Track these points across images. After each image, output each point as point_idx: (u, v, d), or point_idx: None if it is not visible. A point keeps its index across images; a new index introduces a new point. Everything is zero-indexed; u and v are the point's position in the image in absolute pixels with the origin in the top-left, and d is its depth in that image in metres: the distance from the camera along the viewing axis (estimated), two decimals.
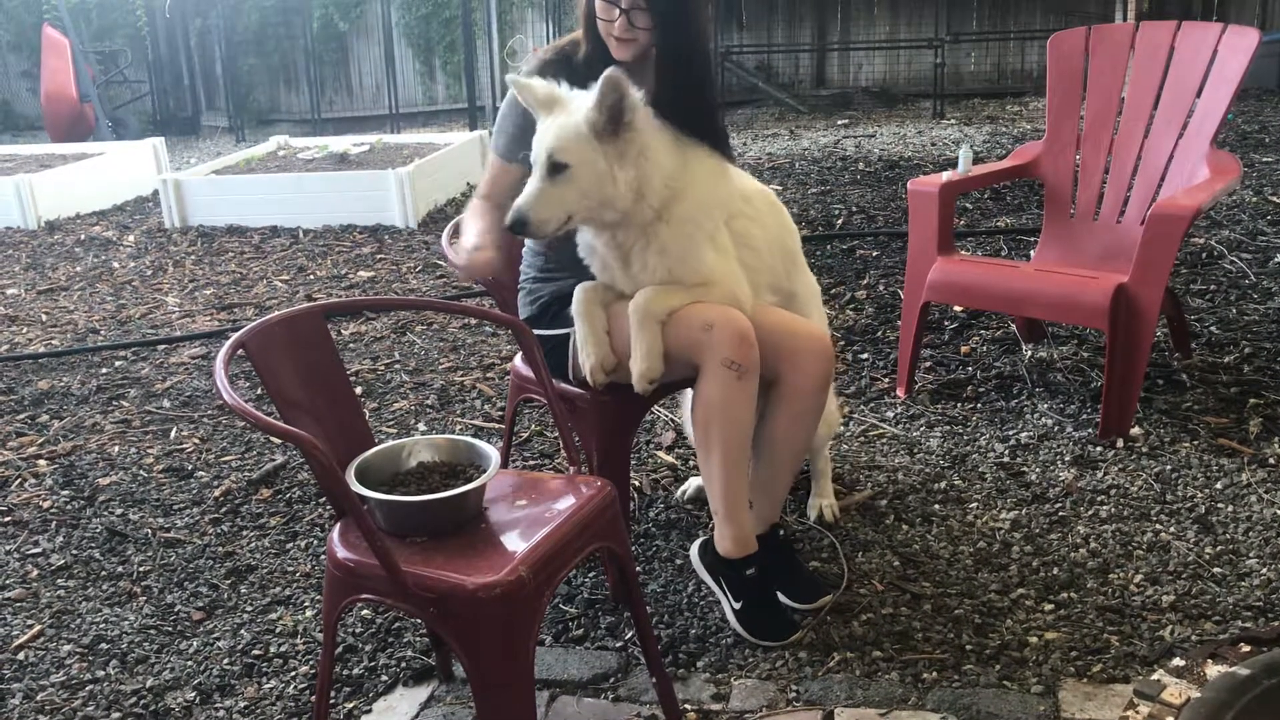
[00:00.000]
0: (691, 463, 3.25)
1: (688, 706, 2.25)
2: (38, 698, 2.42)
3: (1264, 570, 2.59)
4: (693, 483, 3.09)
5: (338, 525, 2.03)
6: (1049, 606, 2.51)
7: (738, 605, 2.47)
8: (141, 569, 2.94)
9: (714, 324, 2.30)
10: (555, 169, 2.24)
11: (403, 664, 2.47)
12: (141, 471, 3.51)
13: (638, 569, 2.68)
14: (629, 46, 2.41)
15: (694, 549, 2.63)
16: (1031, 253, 3.98)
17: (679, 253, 2.35)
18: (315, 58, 11.55)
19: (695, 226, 2.35)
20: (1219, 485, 2.99)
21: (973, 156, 3.72)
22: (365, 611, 2.66)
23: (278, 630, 2.63)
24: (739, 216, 2.45)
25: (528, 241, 2.62)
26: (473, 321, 4.80)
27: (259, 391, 3.94)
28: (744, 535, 2.45)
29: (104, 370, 4.46)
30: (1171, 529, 2.80)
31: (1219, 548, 2.70)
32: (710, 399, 2.33)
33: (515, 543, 1.94)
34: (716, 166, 2.44)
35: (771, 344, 2.37)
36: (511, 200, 2.28)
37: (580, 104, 2.25)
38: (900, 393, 3.68)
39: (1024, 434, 3.35)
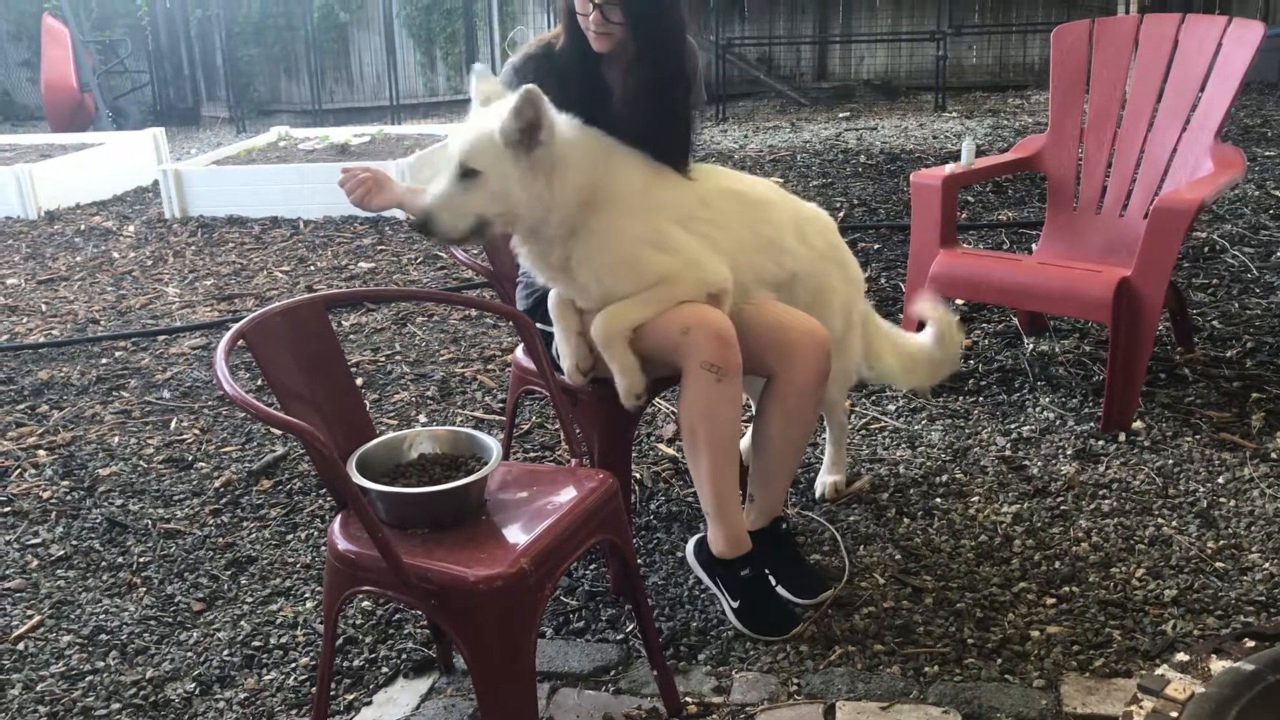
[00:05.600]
0: None
1: (689, 699, 2.25)
2: (37, 688, 2.41)
3: (1266, 565, 2.59)
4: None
5: (338, 517, 2.03)
6: (1051, 600, 2.51)
7: (735, 603, 2.46)
8: (141, 560, 2.93)
9: (690, 327, 2.27)
10: (465, 174, 2.23)
11: (403, 656, 2.46)
12: (141, 462, 3.50)
13: (639, 561, 2.67)
14: (605, 40, 2.40)
15: (689, 547, 2.62)
16: (1034, 246, 3.97)
17: (605, 264, 2.32)
18: (316, 48, 11.53)
19: (615, 238, 2.32)
20: (1221, 479, 2.98)
21: (975, 149, 3.71)
22: (366, 603, 2.65)
23: (278, 622, 2.63)
24: (697, 220, 2.40)
25: None
26: (473, 313, 4.79)
27: (259, 382, 3.93)
28: (737, 535, 2.44)
29: (104, 360, 4.45)
30: (1174, 523, 2.79)
31: (1221, 542, 2.69)
32: (693, 402, 2.31)
33: (517, 535, 1.93)
34: (650, 175, 2.40)
35: (764, 340, 2.36)
36: None
37: (498, 110, 2.24)
38: None
39: (1026, 427, 3.34)
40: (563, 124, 2.28)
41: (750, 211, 2.51)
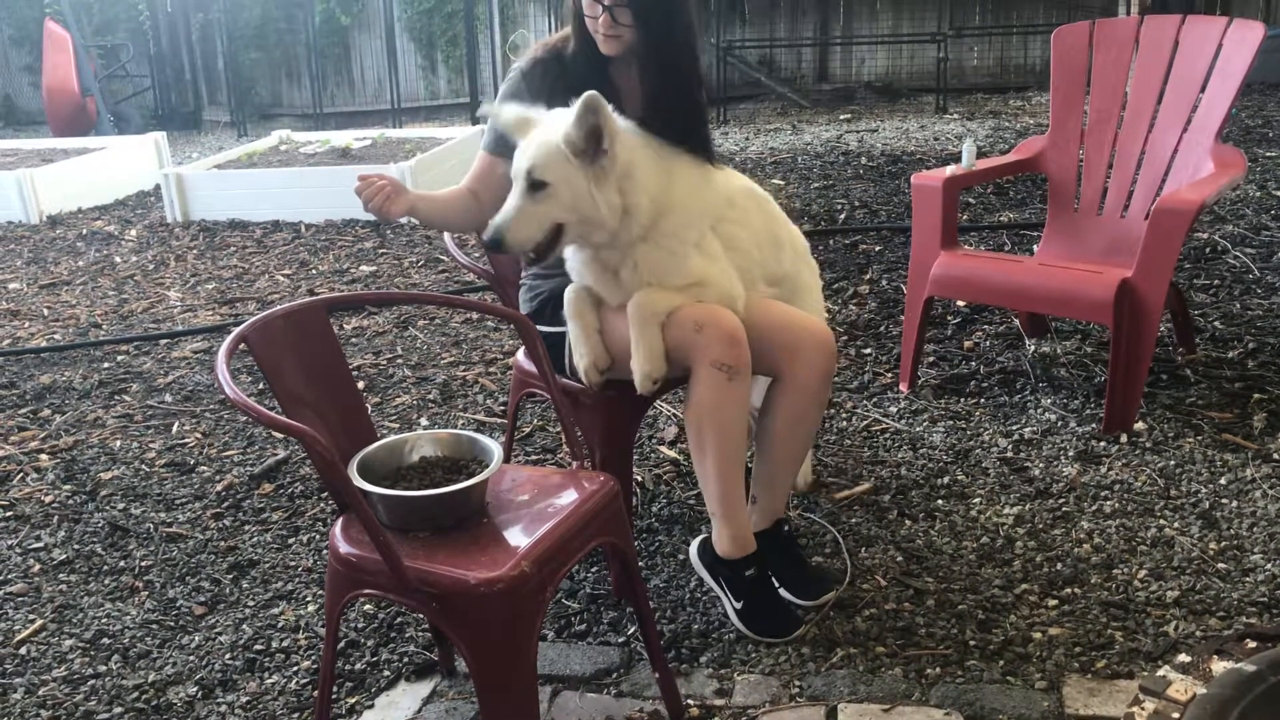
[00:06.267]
0: None
1: (690, 702, 2.25)
2: (39, 693, 2.42)
3: (1269, 566, 2.58)
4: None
5: (340, 520, 2.03)
6: (1053, 602, 2.50)
7: (739, 604, 2.46)
8: (143, 564, 2.93)
9: (703, 325, 2.28)
10: (534, 186, 2.22)
11: (405, 659, 2.46)
12: (143, 466, 3.51)
13: (640, 564, 2.67)
14: (614, 43, 2.40)
15: (693, 548, 2.62)
16: (1035, 247, 3.97)
17: (664, 268, 2.33)
18: (317, 52, 11.54)
19: (678, 241, 2.33)
20: (1223, 480, 2.98)
21: (976, 151, 3.71)
22: (367, 606, 2.65)
23: (280, 625, 2.63)
24: (725, 221, 2.42)
25: None
26: (475, 316, 4.79)
27: (261, 386, 3.94)
28: (742, 535, 2.44)
29: (106, 365, 4.46)
30: (1175, 524, 2.79)
31: (1223, 543, 2.69)
32: (701, 400, 2.32)
33: (518, 538, 1.93)
34: (699, 177, 2.41)
35: (771, 339, 2.37)
36: (493, 194, 2.29)
37: (558, 122, 2.23)
38: (903, 388, 3.67)
39: (1027, 429, 3.34)
40: (625, 129, 2.27)
41: (763, 208, 2.55)
